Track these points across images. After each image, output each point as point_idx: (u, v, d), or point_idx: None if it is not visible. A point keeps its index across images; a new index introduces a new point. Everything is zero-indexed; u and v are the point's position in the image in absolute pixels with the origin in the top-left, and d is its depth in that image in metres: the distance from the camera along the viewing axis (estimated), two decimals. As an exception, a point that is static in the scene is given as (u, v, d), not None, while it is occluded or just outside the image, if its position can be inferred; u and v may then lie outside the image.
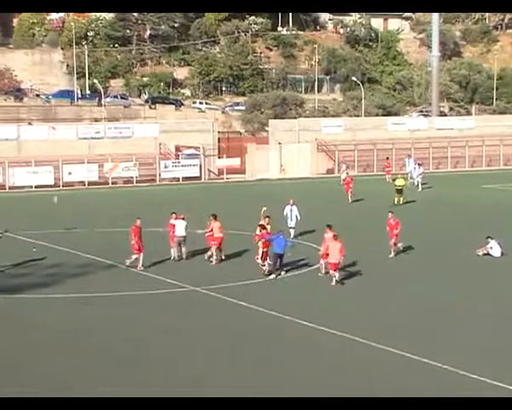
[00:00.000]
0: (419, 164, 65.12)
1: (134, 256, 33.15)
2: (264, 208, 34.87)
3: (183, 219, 35.31)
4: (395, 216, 36.32)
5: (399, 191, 53.45)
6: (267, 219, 33.72)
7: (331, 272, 30.82)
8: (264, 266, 32.12)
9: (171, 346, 23.38)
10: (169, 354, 22.58)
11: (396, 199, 52.78)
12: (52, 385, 20.04)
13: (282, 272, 32.22)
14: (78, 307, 27.98)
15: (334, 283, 30.48)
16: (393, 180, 55.45)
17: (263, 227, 32.60)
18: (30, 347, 23.43)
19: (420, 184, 62.21)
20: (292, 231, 39.86)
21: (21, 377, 20.80)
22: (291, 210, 40.17)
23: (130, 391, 19.19)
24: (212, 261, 34.29)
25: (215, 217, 34.65)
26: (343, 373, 20.97)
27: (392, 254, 35.76)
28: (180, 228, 34.92)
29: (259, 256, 32.26)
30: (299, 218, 40.13)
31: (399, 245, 36.03)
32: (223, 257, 34.75)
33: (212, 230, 34.20)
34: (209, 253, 34.61)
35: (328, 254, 30.94)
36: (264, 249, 32.30)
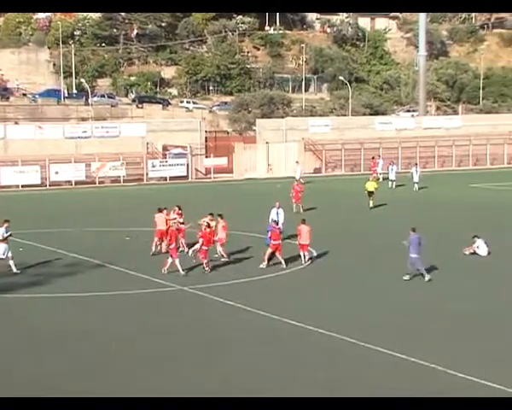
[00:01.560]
0: (392, 163, 65.07)
1: (170, 260, 32.44)
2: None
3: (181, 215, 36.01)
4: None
5: (370, 194, 51.75)
6: (209, 216, 34.55)
7: (301, 252, 33.94)
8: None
9: (157, 346, 23.34)
10: (156, 354, 22.55)
11: (370, 202, 51.22)
12: (42, 386, 19.98)
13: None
14: (65, 306, 27.90)
15: (304, 262, 33.82)
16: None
17: (208, 225, 33.09)
18: (17, 346, 23.34)
19: (394, 184, 62.25)
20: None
21: (11, 377, 20.72)
22: (277, 213, 38.79)
23: (121, 391, 19.16)
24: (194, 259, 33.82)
25: (221, 216, 34.92)
26: (331, 372, 20.99)
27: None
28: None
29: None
30: (282, 221, 38.43)
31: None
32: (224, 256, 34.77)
33: (211, 228, 33.60)
34: (195, 247, 34.06)
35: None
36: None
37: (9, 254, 32.47)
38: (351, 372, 20.93)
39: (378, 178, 63.56)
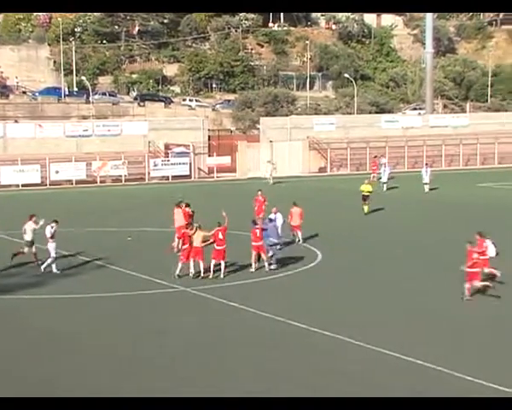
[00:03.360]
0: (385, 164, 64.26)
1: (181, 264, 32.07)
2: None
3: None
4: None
5: (365, 198, 48.76)
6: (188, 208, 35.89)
7: (294, 233, 37.60)
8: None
9: (163, 347, 23.40)
10: (161, 355, 22.61)
11: (365, 207, 48.53)
12: (46, 386, 20.05)
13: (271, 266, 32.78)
14: (66, 308, 27.97)
15: (298, 240, 37.72)
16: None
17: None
18: (19, 348, 23.42)
19: (385, 186, 60.59)
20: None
21: (13, 378, 20.80)
22: (275, 219, 36.09)
23: (124, 391, 19.22)
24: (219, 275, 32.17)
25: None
26: (335, 375, 21.04)
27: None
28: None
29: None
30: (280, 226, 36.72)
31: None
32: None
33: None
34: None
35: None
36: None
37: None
38: (355, 373, 20.97)
39: (380, 178, 63.06)
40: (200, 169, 74.39)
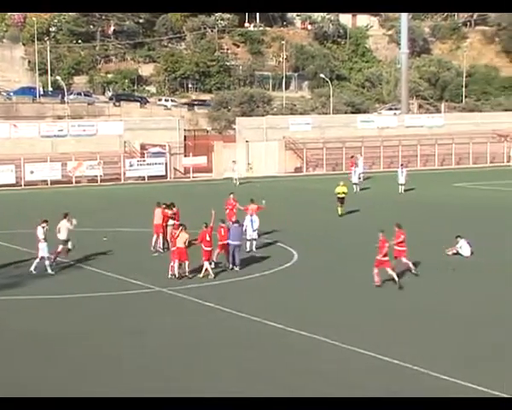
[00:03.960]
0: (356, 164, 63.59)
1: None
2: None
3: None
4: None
5: (341, 200, 48.19)
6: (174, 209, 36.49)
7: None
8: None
9: (140, 349, 23.36)
10: (139, 357, 22.58)
11: (339, 209, 48.09)
12: (16, 387, 19.96)
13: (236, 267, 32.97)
14: (40, 309, 27.84)
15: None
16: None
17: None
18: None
19: (358, 188, 59.77)
20: (254, 243, 36.87)
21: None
22: (251, 221, 36.57)
23: (113, 392, 19.17)
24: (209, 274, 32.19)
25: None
26: (311, 375, 21.09)
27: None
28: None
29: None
30: (257, 228, 36.89)
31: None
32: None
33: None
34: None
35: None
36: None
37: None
38: (331, 373, 21.04)
39: (359, 178, 63.00)
40: (176, 169, 74.27)
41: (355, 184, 60.04)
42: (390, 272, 30.20)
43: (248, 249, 36.40)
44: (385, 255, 30.13)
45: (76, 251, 36.25)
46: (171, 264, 31.84)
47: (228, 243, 33.01)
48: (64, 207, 53.15)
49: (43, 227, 32.86)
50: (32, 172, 67.47)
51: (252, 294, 29.79)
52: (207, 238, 31.78)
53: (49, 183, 67.69)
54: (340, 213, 48.00)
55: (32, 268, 32.62)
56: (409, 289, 30.12)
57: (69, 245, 34.17)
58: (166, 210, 37.23)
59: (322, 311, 27.26)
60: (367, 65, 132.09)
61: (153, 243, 37.04)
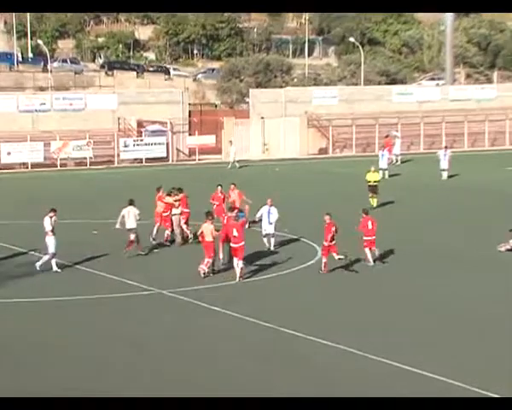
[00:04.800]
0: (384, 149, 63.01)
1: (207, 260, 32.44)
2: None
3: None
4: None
5: (373, 189, 47.86)
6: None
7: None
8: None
9: (134, 353, 23.61)
10: (133, 362, 22.81)
11: (371, 201, 47.23)
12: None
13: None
14: (21, 313, 28.09)
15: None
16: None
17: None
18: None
19: (386, 173, 59.35)
20: (272, 240, 37.01)
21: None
22: (269, 212, 36.74)
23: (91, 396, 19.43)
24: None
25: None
26: (310, 379, 21.29)
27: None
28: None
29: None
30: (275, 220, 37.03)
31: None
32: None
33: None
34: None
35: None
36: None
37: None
38: (327, 377, 21.25)
39: (396, 160, 62.92)
40: (179, 150, 74.49)
41: (383, 169, 58.76)
42: (337, 257, 32.40)
43: (266, 247, 36.64)
44: (331, 240, 32.14)
45: (61, 246, 36.47)
46: (206, 261, 32.07)
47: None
48: (46, 195, 53.72)
49: (51, 217, 32.92)
50: (8, 154, 67.80)
51: (268, 296, 30.02)
52: (235, 233, 31.75)
53: (29, 166, 68.00)
54: (373, 205, 46.78)
55: (38, 265, 32.83)
56: (459, 292, 30.24)
57: (131, 236, 35.19)
58: (167, 198, 37.27)
59: (345, 315, 27.43)
60: (405, 27, 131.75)
61: (153, 234, 37.31)
